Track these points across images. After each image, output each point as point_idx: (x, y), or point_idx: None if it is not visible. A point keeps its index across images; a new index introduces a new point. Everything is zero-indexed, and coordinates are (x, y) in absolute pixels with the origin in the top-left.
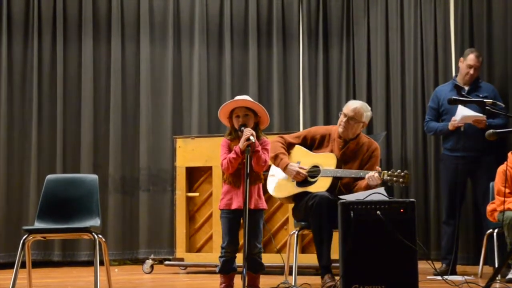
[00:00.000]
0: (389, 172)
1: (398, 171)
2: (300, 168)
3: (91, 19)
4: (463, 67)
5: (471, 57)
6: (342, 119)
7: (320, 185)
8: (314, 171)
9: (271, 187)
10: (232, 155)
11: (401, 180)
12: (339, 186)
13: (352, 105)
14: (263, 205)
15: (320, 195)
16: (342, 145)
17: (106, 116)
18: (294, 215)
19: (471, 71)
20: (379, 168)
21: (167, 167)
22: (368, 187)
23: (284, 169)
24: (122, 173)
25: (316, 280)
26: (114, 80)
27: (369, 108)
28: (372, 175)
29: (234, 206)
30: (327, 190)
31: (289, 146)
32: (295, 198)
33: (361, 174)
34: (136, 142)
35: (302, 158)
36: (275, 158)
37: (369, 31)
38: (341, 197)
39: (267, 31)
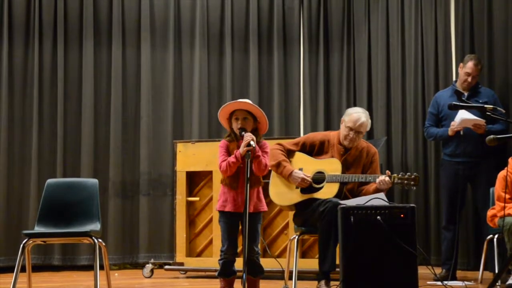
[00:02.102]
0: (399, 175)
1: (408, 173)
2: (305, 174)
3: (92, 24)
4: (461, 74)
5: (469, 65)
6: (349, 133)
7: (328, 191)
8: (319, 177)
9: (273, 195)
10: (232, 159)
11: (412, 182)
12: (344, 191)
13: (357, 119)
14: (263, 207)
15: (334, 202)
16: (343, 152)
17: (107, 120)
18: (295, 221)
19: (469, 79)
20: (389, 172)
21: (167, 172)
22: (376, 191)
23: (288, 176)
24: (122, 178)
25: (316, 285)
26: (115, 85)
27: (368, 113)
28: (383, 179)
29: (229, 208)
30: (335, 196)
31: (288, 154)
32: (298, 205)
33: (370, 178)
34: (137, 146)
35: (304, 165)
36: (278, 166)
37: (370, 36)
38: (341, 202)
39: (267, 36)
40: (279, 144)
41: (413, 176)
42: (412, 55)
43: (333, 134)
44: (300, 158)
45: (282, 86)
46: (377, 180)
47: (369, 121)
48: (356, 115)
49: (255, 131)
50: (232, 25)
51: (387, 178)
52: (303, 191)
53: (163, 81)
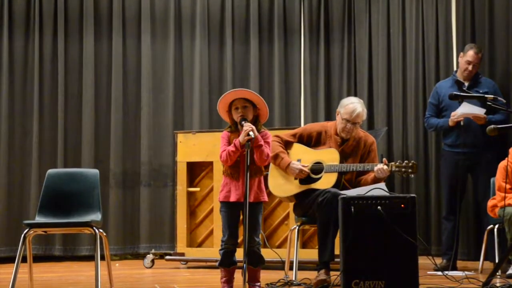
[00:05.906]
0: (397, 163)
1: (406, 161)
2: (302, 165)
3: (92, 14)
4: (462, 63)
5: (470, 53)
6: (346, 125)
7: (326, 181)
8: (317, 168)
9: (272, 187)
10: (231, 148)
11: (410, 170)
12: (342, 181)
13: (353, 110)
14: (264, 197)
15: (332, 192)
16: (340, 142)
17: (107, 111)
18: (295, 211)
19: (470, 67)
20: (386, 160)
21: (168, 162)
22: (375, 180)
23: (286, 168)
24: (123, 168)
25: (316, 275)
26: (115, 75)
27: (362, 101)
28: (381, 168)
29: (232, 198)
30: (333, 186)
31: (285, 145)
32: (297, 195)
33: (368, 167)
34: (137, 136)
35: (303, 155)
36: (276, 158)
37: (371, 26)
38: (342, 192)
39: (268, 26)
40: (276, 136)
41: (410, 164)
42: (412, 45)
43: (330, 124)
44: (298, 149)
45: (283, 76)
46: (375, 169)
47: (365, 110)
48: (352, 106)
49: (256, 120)
50: (233, 15)
51: (385, 167)
52: (302, 182)
53: (164, 72)
